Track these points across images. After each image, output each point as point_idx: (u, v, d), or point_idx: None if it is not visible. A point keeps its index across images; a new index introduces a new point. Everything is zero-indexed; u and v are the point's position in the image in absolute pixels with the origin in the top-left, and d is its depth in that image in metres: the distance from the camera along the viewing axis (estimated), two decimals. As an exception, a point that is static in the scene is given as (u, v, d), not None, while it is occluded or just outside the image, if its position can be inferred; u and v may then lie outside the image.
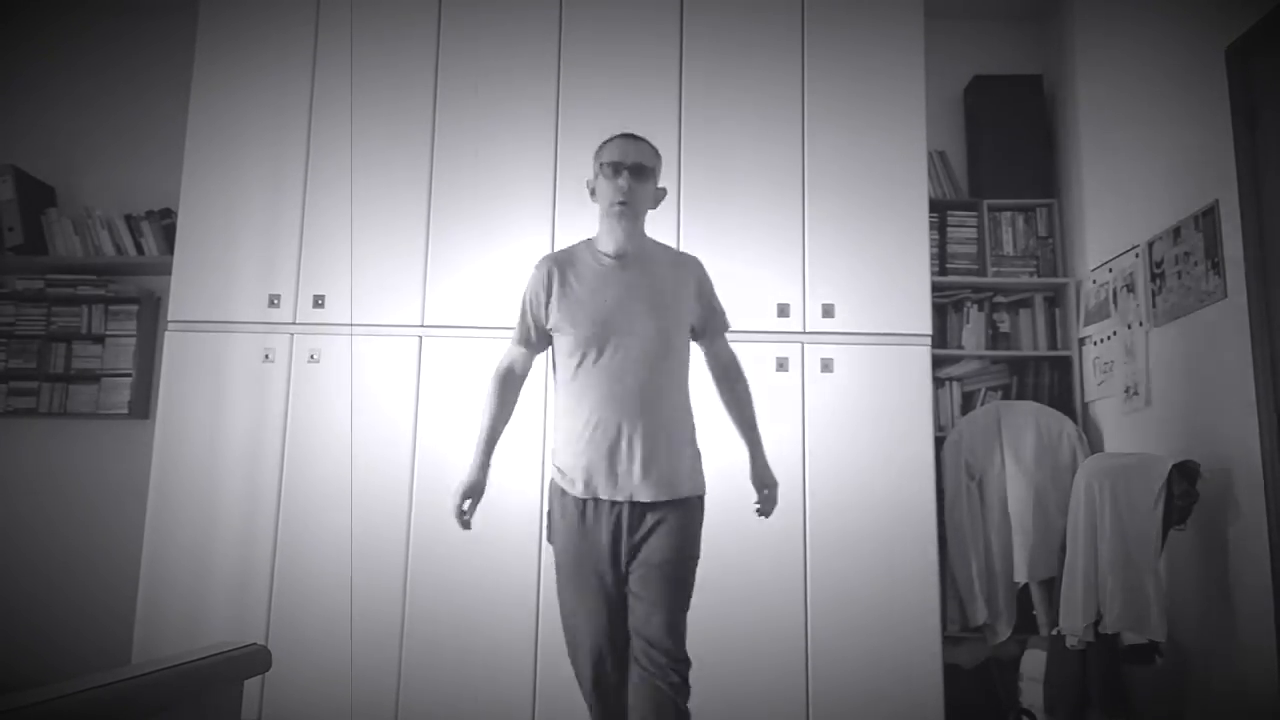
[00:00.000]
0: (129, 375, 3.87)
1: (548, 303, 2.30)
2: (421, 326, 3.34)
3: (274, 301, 3.37)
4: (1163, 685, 2.94)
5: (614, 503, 2.19)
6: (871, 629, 3.13)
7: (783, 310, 3.32)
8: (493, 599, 3.17)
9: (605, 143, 2.33)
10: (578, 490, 2.22)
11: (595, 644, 2.17)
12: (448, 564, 3.18)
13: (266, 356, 3.33)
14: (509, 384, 2.41)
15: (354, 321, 3.35)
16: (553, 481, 2.31)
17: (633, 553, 2.18)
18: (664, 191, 2.38)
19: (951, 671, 3.27)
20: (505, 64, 3.48)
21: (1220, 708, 2.72)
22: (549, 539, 2.31)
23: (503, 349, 3.50)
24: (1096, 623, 2.74)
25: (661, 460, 2.20)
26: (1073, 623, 2.79)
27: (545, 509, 2.36)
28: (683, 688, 2.11)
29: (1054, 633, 2.94)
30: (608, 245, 2.30)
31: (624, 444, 2.19)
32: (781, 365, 3.29)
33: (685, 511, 2.23)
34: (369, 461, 3.26)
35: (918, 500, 3.20)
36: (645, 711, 2.08)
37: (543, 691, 3.13)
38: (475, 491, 2.33)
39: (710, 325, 2.41)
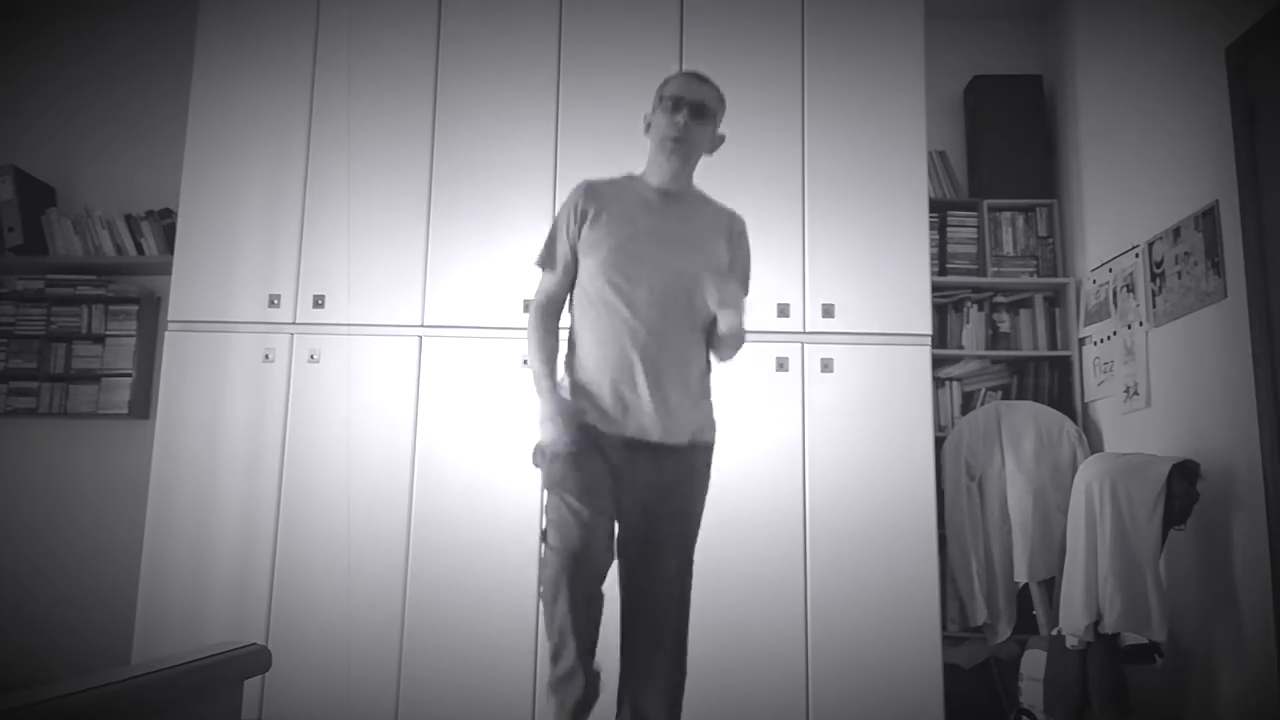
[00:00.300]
0: (129, 375, 3.87)
1: (581, 225, 2.21)
2: (421, 326, 3.34)
3: (274, 301, 3.37)
4: (1163, 685, 2.94)
5: (620, 437, 2.12)
6: (871, 629, 3.13)
7: (783, 310, 3.32)
8: (493, 599, 3.17)
9: (669, 78, 2.27)
10: (595, 421, 2.13)
11: (579, 546, 2.06)
12: (448, 563, 3.18)
13: (266, 356, 3.33)
14: (550, 314, 2.28)
15: (353, 321, 3.35)
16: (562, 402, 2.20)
17: (631, 491, 2.12)
18: (722, 138, 2.30)
19: (951, 671, 3.27)
20: (505, 64, 3.48)
21: (1220, 708, 2.72)
22: (534, 462, 2.19)
23: (503, 348, 3.50)
24: (1096, 623, 2.74)
25: (673, 401, 2.13)
26: (1073, 623, 2.79)
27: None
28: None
29: (1054, 633, 2.94)
30: (653, 179, 2.23)
31: (636, 377, 2.11)
32: (781, 365, 3.29)
33: (692, 459, 2.18)
34: (369, 461, 3.26)
35: (918, 500, 3.20)
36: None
37: (543, 691, 3.12)
38: (566, 409, 2.14)
39: (735, 273, 2.27)
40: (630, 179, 2.28)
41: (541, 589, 2.15)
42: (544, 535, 2.22)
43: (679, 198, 2.24)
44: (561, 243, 2.25)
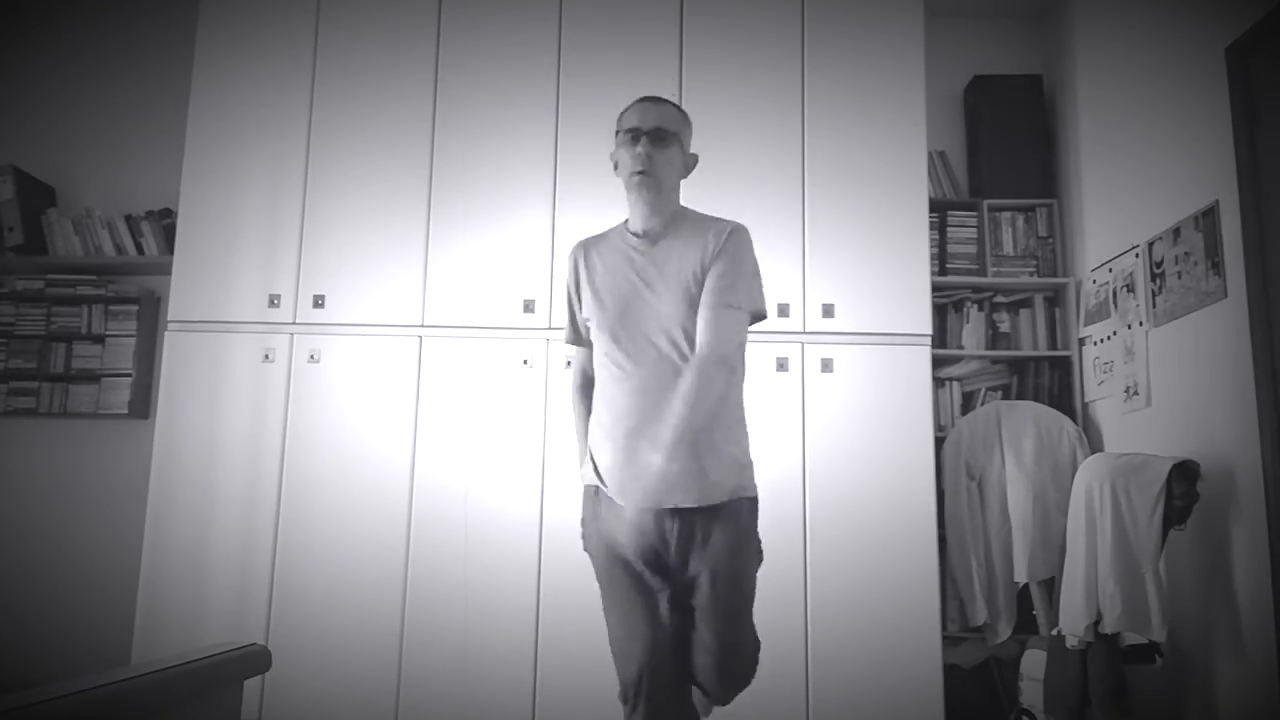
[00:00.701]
0: (129, 375, 3.87)
1: (579, 292, 2.16)
2: (421, 326, 3.34)
3: (274, 301, 3.37)
4: (1163, 685, 2.94)
5: (645, 510, 1.98)
6: (871, 629, 3.13)
7: (783, 310, 3.32)
8: (493, 599, 3.17)
9: (625, 110, 2.14)
10: (612, 492, 2.03)
11: (640, 663, 1.95)
12: (448, 564, 3.18)
13: (266, 356, 3.33)
14: (587, 389, 2.21)
15: (353, 321, 3.35)
16: (586, 484, 2.14)
17: (682, 563, 1.99)
18: (695, 159, 2.16)
19: (951, 671, 3.27)
20: (505, 63, 3.48)
21: (1220, 708, 2.72)
22: (584, 547, 2.12)
23: (503, 348, 3.51)
24: (1096, 623, 2.74)
25: (689, 461, 1.96)
26: (1073, 623, 2.79)
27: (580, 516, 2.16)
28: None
29: (1054, 633, 2.94)
30: (634, 223, 2.13)
31: (645, 444, 1.96)
32: (781, 365, 3.29)
33: (728, 518, 2.00)
34: (369, 461, 3.26)
35: (918, 500, 3.20)
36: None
37: (543, 692, 3.13)
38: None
39: (706, 294, 2.03)
40: (619, 230, 2.18)
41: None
42: (584, 545, 2.14)
43: (669, 234, 2.09)
44: (574, 320, 2.21)
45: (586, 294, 2.13)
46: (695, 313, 2.03)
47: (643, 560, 2.01)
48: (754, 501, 2.09)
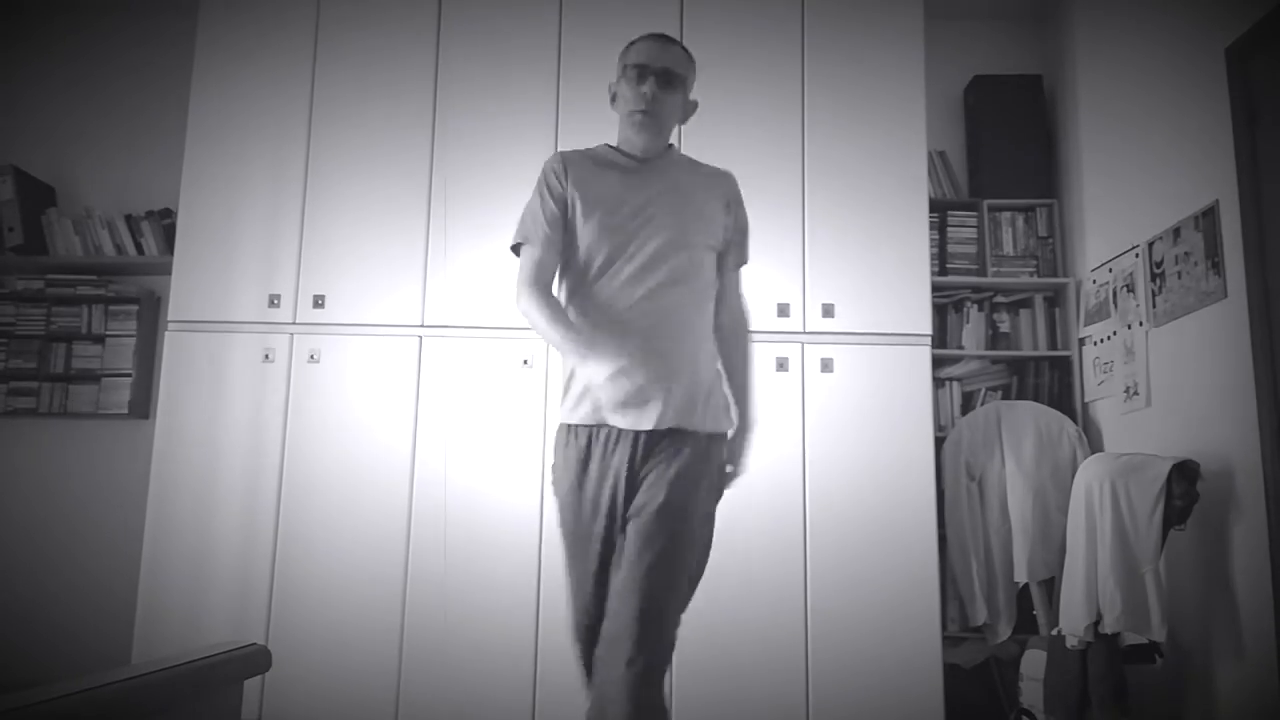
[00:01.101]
0: (129, 375, 3.87)
1: (563, 196, 2.01)
2: (421, 326, 3.34)
3: (274, 301, 3.37)
4: (1163, 685, 2.94)
5: (621, 432, 1.89)
6: (871, 629, 3.13)
7: (783, 310, 3.32)
8: (493, 599, 3.17)
9: (632, 43, 2.06)
10: (581, 415, 1.92)
11: (585, 605, 1.89)
12: (448, 563, 3.18)
13: (266, 356, 3.33)
14: (546, 286, 2.02)
15: (353, 321, 3.35)
16: (560, 424, 2.00)
17: (631, 494, 1.88)
18: (695, 104, 2.11)
19: (951, 671, 3.27)
20: (505, 63, 3.48)
21: (1220, 708, 2.72)
22: (554, 489, 2.01)
23: (503, 348, 3.49)
24: (1096, 623, 2.74)
25: (679, 386, 1.91)
26: (1073, 623, 2.79)
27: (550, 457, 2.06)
28: (644, 678, 1.73)
29: (1054, 633, 2.94)
30: (627, 148, 2.07)
31: (638, 365, 1.87)
32: (781, 365, 3.29)
33: (698, 449, 1.92)
34: (369, 461, 3.26)
35: (918, 500, 3.20)
36: (598, 704, 1.77)
37: (543, 692, 3.13)
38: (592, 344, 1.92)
39: (732, 254, 2.10)
40: (607, 147, 2.10)
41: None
42: (553, 484, 2.01)
43: (665, 163, 2.07)
44: (539, 216, 2.02)
45: (576, 197, 2.00)
46: (707, 246, 2.03)
47: (608, 492, 1.89)
48: (726, 438, 2.05)
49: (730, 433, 2.07)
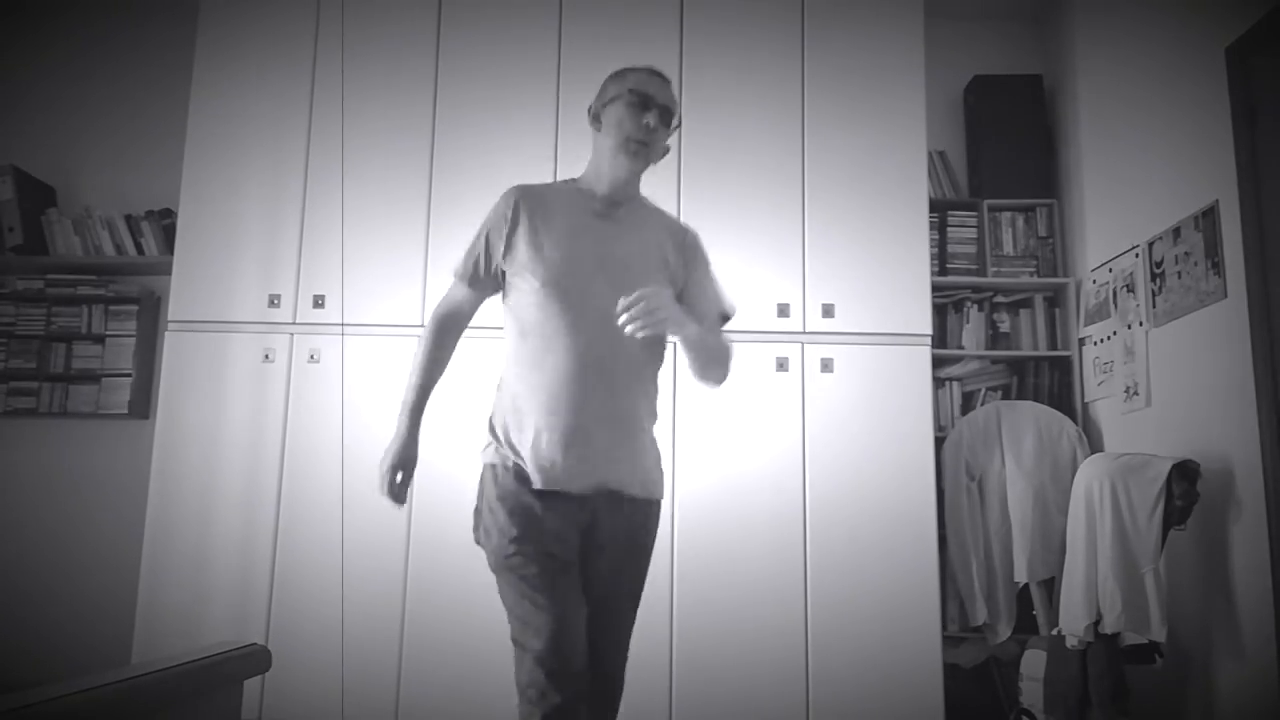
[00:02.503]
0: (129, 375, 3.87)
1: (510, 237, 1.93)
2: (421, 327, 3.33)
3: (274, 301, 3.37)
4: (1163, 685, 2.94)
5: (573, 496, 1.84)
6: (871, 629, 3.13)
7: (783, 310, 3.32)
8: (493, 599, 3.16)
9: (626, 70, 1.99)
10: (536, 481, 1.84)
11: (577, 653, 1.79)
12: (448, 564, 3.18)
13: (266, 356, 3.33)
14: (450, 331, 2.04)
15: (353, 321, 3.35)
16: (489, 464, 1.92)
17: (594, 550, 1.87)
18: (668, 149, 2.04)
19: (951, 671, 3.27)
20: (505, 63, 3.48)
21: (1220, 708, 2.72)
22: (477, 540, 1.94)
23: (502, 349, 3.48)
24: (1096, 623, 2.74)
25: (629, 447, 1.90)
26: (1073, 623, 2.79)
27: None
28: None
29: (1054, 633, 2.94)
30: (601, 185, 1.96)
31: (590, 425, 1.84)
32: (781, 365, 3.29)
33: (649, 516, 1.95)
34: (369, 461, 3.25)
35: (918, 500, 3.20)
36: None
37: (543, 691, 3.12)
38: (408, 463, 1.97)
39: (698, 309, 1.97)
40: (571, 185, 2.02)
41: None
42: (474, 531, 1.96)
43: (630, 209, 1.99)
44: (482, 255, 1.97)
45: (526, 244, 1.91)
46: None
47: (561, 546, 1.84)
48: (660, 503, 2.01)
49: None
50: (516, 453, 1.88)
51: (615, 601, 1.92)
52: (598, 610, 1.86)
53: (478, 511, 1.94)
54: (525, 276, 1.91)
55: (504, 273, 1.97)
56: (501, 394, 1.98)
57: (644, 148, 1.93)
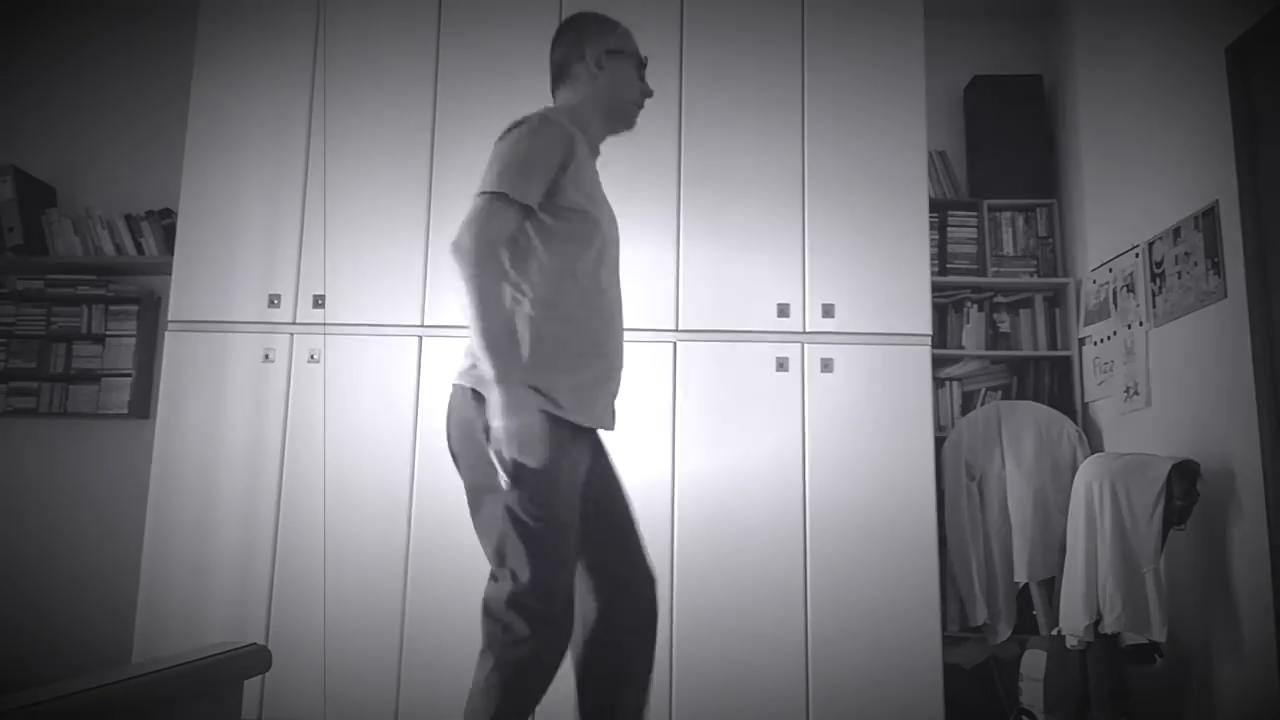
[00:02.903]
0: (129, 375, 3.87)
1: (560, 175, 1.82)
2: (421, 326, 3.34)
3: (274, 301, 3.37)
4: (1163, 685, 2.94)
5: (591, 432, 1.93)
6: (871, 629, 3.13)
7: (783, 310, 3.32)
8: (493, 599, 3.16)
9: (623, 29, 2.00)
10: (580, 417, 1.83)
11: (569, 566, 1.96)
12: (448, 563, 3.18)
13: (266, 356, 3.33)
14: (499, 259, 1.83)
15: (353, 321, 3.35)
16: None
17: (608, 476, 2.01)
18: None
19: (951, 671, 3.27)
20: (505, 63, 3.48)
21: (1220, 708, 2.72)
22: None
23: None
24: (1096, 623, 2.74)
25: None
26: (1073, 623, 2.79)
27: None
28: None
29: (1054, 633, 2.94)
30: (595, 130, 1.98)
31: (619, 364, 1.94)
32: (781, 365, 3.29)
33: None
34: (370, 461, 3.26)
35: (918, 500, 3.20)
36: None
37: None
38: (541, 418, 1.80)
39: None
40: (577, 126, 1.97)
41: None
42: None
43: None
44: (540, 179, 1.80)
45: (578, 181, 1.85)
46: None
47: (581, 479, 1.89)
48: None
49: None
50: (548, 396, 1.80)
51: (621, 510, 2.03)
52: (621, 520, 2.00)
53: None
54: (585, 211, 1.84)
55: (557, 203, 1.83)
56: (551, 333, 1.83)
57: (639, 111, 2.00)
